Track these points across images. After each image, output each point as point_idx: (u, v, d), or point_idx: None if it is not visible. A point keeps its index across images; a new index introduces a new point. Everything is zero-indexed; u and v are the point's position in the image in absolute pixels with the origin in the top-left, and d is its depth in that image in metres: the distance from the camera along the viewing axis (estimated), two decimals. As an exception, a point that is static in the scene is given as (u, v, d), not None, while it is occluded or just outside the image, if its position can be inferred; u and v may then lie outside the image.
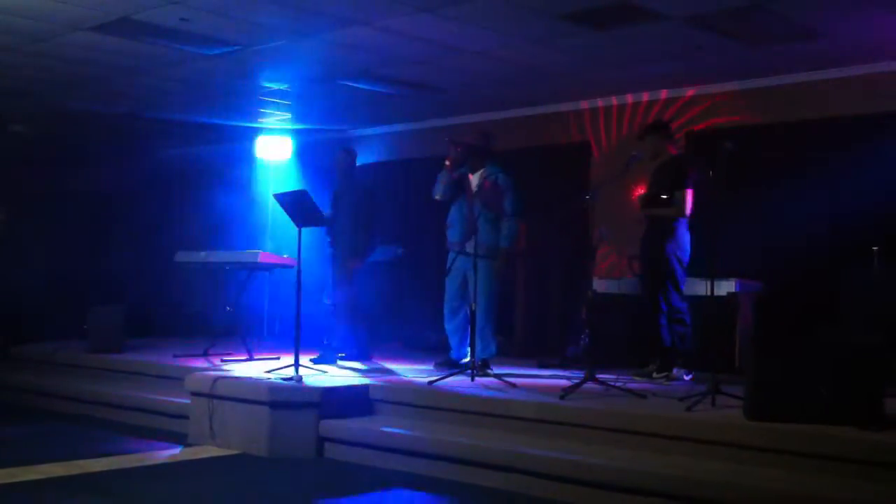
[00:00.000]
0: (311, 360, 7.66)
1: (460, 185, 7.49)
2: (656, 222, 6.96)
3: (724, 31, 7.09)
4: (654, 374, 6.96)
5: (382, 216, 8.61)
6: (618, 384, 6.24)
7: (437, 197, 7.59)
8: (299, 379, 6.63)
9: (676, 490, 4.81)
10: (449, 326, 7.69)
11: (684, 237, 6.91)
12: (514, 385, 6.54)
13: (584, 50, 7.73)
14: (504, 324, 9.19)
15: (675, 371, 6.92)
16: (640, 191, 7.72)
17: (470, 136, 7.75)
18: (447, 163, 7.48)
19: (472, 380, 6.70)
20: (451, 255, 7.54)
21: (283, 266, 8.34)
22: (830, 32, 7.08)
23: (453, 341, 7.71)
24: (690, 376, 6.90)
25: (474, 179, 7.46)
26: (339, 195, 8.24)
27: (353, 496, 5.56)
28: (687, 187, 6.77)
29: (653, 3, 6.56)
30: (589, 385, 6.15)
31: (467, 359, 7.25)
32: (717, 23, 6.91)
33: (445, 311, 7.67)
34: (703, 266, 6.80)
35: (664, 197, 6.82)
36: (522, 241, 8.28)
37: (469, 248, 7.15)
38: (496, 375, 6.85)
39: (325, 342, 8.08)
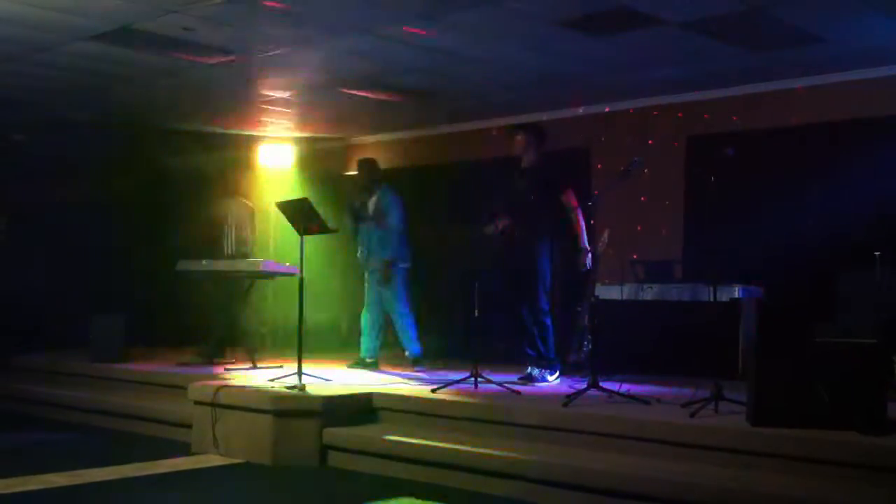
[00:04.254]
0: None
1: (363, 212, 8.51)
2: None
3: (724, 36, 7.10)
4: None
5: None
6: (621, 391, 6.24)
7: (350, 226, 8.56)
8: (302, 387, 6.63)
9: (680, 496, 4.80)
10: (363, 329, 8.58)
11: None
12: (517, 392, 6.54)
13: (584, 56, 7.73)
14: (505, 330, 9.17)
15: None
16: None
17: (363, 167, 8.67)
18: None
19: (475, 387, 6.72)
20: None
21: (286, 274, 8.35)
22: (830, 37, 7.09)
23: (363, 342, 8.58)
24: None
25: (370, 204, 8.49)
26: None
27: (357, 504, 5.56)
28: None
29: (652, 9, 6.57)
30: (592, 392, 6.16)
31: (372, 358, 8.45)
32: (716, 28, 6.92)
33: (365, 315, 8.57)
34: (705, 272, 6.81)
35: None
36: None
37: (371, 263, 8.37)
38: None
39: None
